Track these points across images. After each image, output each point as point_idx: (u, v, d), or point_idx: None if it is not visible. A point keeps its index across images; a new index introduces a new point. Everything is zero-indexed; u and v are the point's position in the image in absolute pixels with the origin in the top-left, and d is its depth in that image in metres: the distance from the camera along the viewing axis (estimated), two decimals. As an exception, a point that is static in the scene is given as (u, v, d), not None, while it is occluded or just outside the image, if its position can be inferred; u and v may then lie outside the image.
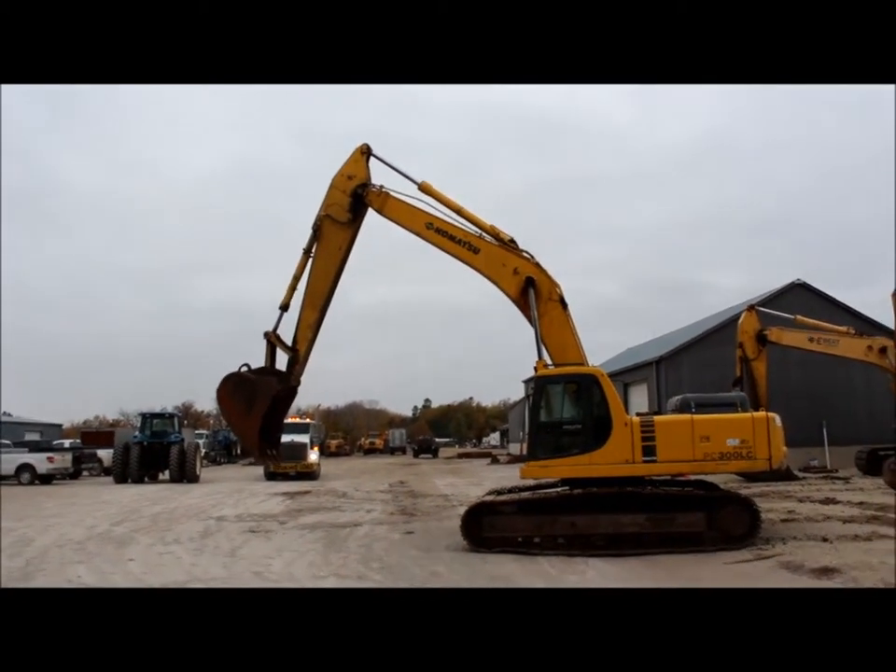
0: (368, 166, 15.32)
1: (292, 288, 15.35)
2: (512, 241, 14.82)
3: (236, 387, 15.02)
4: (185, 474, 35.72)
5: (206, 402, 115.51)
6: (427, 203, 15.01)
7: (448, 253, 14.90)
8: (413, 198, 15.08)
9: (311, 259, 15.32)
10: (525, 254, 14.69)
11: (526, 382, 16.68)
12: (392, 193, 15.11)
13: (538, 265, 14.54)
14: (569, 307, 14.40)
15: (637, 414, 14.25)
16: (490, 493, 15.47)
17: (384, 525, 17.35)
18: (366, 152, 15.30)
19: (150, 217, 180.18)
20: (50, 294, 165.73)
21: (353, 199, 15.12)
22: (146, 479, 36.78)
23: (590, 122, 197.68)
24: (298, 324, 15.41)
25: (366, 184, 15.14)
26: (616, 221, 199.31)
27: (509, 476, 30.01)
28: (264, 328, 15.49)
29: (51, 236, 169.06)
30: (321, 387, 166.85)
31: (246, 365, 15.31)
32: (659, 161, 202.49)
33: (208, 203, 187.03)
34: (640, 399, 38.75)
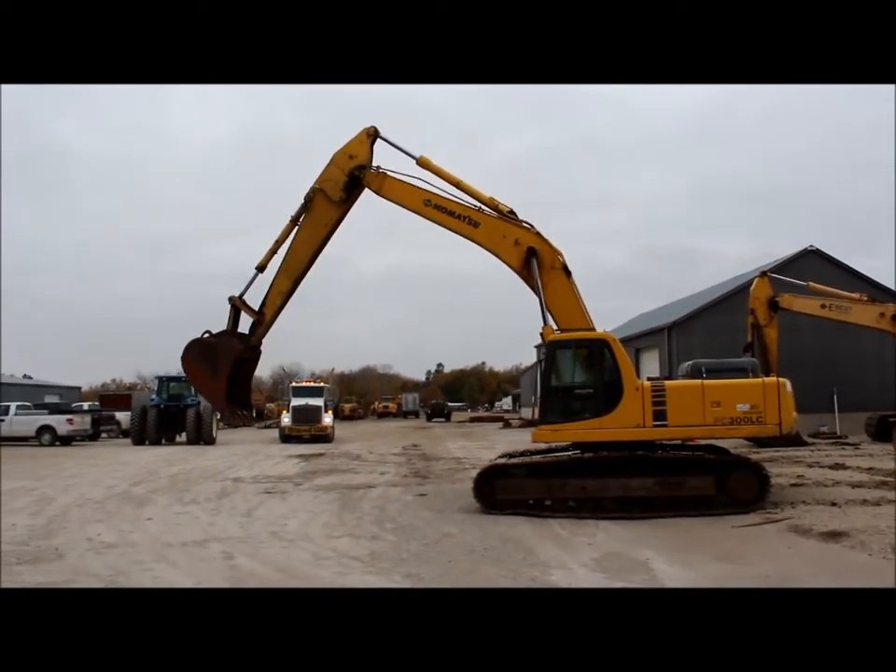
0: (371, 149, 15.22)
1: (272, 252, 15.37)
2: (512, 212, 14.72)
3: (200, 352, 15.20)
4: (201, 436, 36.01)
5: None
6: (427, 181, 14.90)
7: (448, 228, 14.83)
8: (413, 176, 14.99)
9: (296, 228, 15.30)
10: (525, 224, 14.60)
11: (538, 347, 16.71)
12: (389, 173, 15.03)
13: (538, 234, 14.46)
14: (573, 275, 14.34)
15: (649, 379, 14.24)
16: (502, 456, 15.53)
17: (397, 487, 17.48)
18: (372, 135, 15.19)
19: (161, 182, 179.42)
20: (63, 259, 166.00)
21: (349, 179, 15.05)
22: (163, 441, 37.09)
23: (590, 86, 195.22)
24: (269, 289, 15.48)
25: (365, 166, 15.05)
26: (619, 188, 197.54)
27: (520, 440, 30.05)
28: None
29: (58, 201, 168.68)
30: (335, 352, 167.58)
31: (208, 331, 15.44)
32: (664, 127, 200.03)
33: (219, 167, 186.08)
34: (652, 364, 38.68)
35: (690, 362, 27.18)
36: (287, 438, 36.90)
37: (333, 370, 67.45)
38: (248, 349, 15.44)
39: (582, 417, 13.39)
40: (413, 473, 20.81)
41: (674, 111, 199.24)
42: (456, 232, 14.79)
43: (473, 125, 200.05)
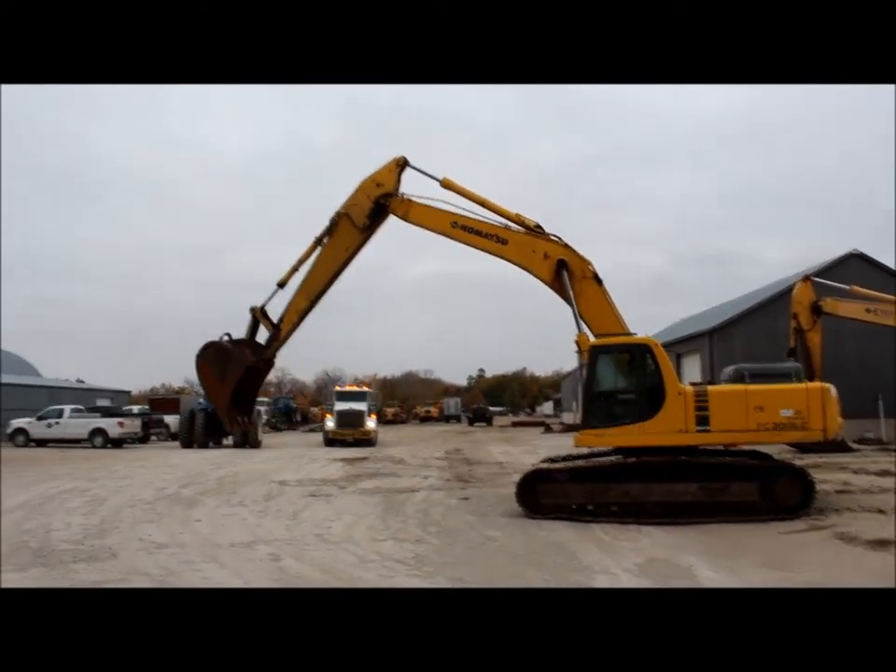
0: (399, 178, 15.39)
1: (294, 269, 15.64)
2: (538, 226, 14.81)
3: (214, 355, 15.46)
4: (248, 440, 36.30)
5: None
6: (451, 203, 14.99)
7: (477, 248, 14.96)
8: (437, 199, 15.10)
9: (319, 249, 15.49)
10: (552, 237, 14.64)
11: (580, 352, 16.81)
12: (415, 199, 15.15)
13: (566, 246, 14.51)
14: (604, 282, 14.31)
15: (691, 384, 14.09)
16: (544, 460, 15.48)
17: (440, 491, 17.49)
18: (401, 165, 15.33)
19: (198, 191, 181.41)
20: (112, 267, 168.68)
21: (374, 206, 15.22)
22: (210, 444, 37.48)
23: (624, 90, 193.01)
24: (288, 306, 15.76)
25: (391, 194, 15.18)
26: (654, 191, 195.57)
27: (562, 445, 29.84)
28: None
29: (103, 210, 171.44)
30: (378, 357, 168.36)
31: (227, 335, 15.69)
32: (695, 128, 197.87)
33: (255, 176, 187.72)
34: (693, 369, 38.26)
35: (733, 367, 26.65)
36: (331, 441, 37.09)
37: (376, 375, 68.05)
38: (261, 361, 15.74)
39: (625, 422, 13.29)
40: (455, 477, 20.81)
41: (706, 111, 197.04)
42: (485, 251, 14.90)
43: (503, 129, 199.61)
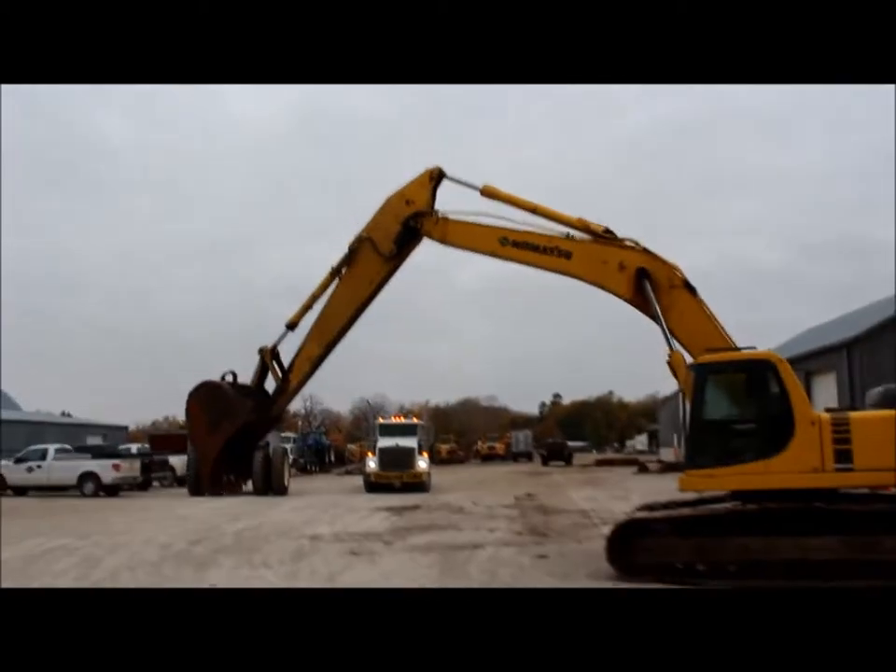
0: (434, 194, 15.24)
1: (306, 308, 15.66)
2: (608, 231, 14.62)
3: (209, 398, 15.44)
4: (270, 485, 36.42)
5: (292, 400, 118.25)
6: (495, 216, 14.91)
7: (534, 266, 14.86)
8: (479, 214, 15.05)
9: (336, 282, 15.35)
10: (627, 242, 14.44)
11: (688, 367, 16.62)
12: (452, 216, 15.01)
13: (646, 251, 14.33)
14: (698, 290, 14.14)
15: (827, 410, 13.88)
16: (640, 508, 15.37)
17: (510, 547, 17.47)
18: (436, 177, 15.18)
19: (203, 181, 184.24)
20: (104, 273, 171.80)
21: (403, 229, 15.05)
22: (224, 491, 37.88)
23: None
24: (297, 353, 15.79)
25: (423, 213, 15.01)
26: (771, 169, 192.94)
27: (661, 488, 29.59)
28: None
29: (99, 206, 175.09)
30: (429, 381, 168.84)
31: (232, 374, 15.69)
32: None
33: (267, 165, 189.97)
34: (827, 392, 37.67)
35: (881, 388, 26.25)
36: (373, 486, 37.15)
37: (427, 402, 68.09)
38: (263, 418, 15.79)
39: (743, 459, 13.14)
40: (528, 530, 20.76)
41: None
42: (546, 269, 14.78)
43: (595, 98, 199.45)
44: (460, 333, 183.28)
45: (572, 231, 14.63)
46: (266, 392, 15.86)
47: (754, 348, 13.95)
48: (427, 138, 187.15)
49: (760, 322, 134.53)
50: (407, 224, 15.13)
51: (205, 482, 16.12)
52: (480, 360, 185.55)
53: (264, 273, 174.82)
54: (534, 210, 14.84)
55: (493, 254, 14.95)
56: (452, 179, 15.18)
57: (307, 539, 19.60)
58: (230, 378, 15.87)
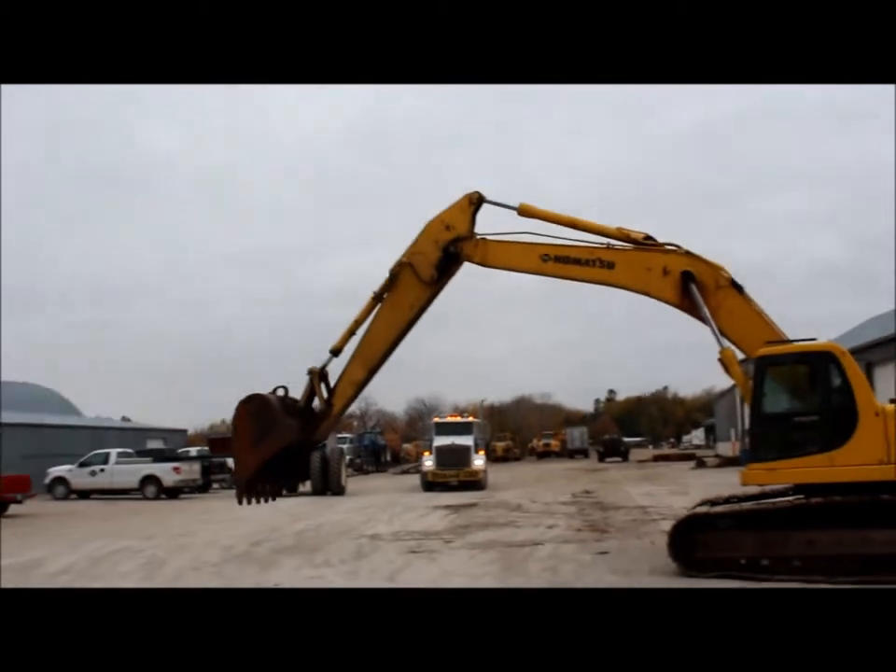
0: (473, 218, 15.31)
1: (350, 332, 15.79)
2: (649, 237, 14.56)
3: (257, 412, 15.63)
4: (329, 485, 36.80)
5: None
6: (533, 233, 14.93)
7: (578, 280, 14.86)
8: (517, 232, 15.09)
9: (378, 307, 15.53)
10: (669, 247, 14.37)
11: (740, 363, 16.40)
12: (490, 238, 15.09)
13: (689, 254, 14.22)
14: (745, 289, 13.98)
15: (892, 401, 13.64)
16: (701, 503, 15.18)
17: (570, 544, 17.40)
18: (475, 202, 15.25)
19: (254, 190, 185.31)
20: (154, 281, 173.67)
21: (443, 255, 15.16)
22: (284, 491, 38.04)
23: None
24: (341, 376, 15.91)
25: (462, 237, 15.11)
26: (827, 156, 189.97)
27: (720, 482, 29.36)
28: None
29: (150, 217, 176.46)
30: (484, 379, 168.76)
31: (283, 388, 15.89)
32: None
33: (331, 172, 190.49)
34: (889, 381, 37.03)
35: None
36: (430, 485, 37.33)
37: (483, 401, 68.23)
38: (306, 441, 16.06)
39: (806, 452, 12.93)
40: (588, 526, 20.68)
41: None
42: (590, 281, 14.80)
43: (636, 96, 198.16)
44: (514, 332, 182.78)
45: (613, 242, 14.62)
46: (313, 412, 15.98)
47: (815, 340, 13.74)
48: (479, 142, 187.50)
49: (820, 315, 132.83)
50: (447, 249, 15.16)
51: (240, 491, 16.29)
52: (534, 358, 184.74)
53: (319, 281, 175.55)
54: (572, 224, 14.85)
55: (535, 271, 15.01)
56: (491, 202, 15.27)
57: (367, 538, 19.69)
58: (281, 392, 15.98)
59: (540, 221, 14.95)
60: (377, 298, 15.61)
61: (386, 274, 15.58)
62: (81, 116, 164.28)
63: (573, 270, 14.69)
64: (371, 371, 15.96)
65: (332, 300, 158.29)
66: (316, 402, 16.17)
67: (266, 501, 16.93)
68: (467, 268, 15.63)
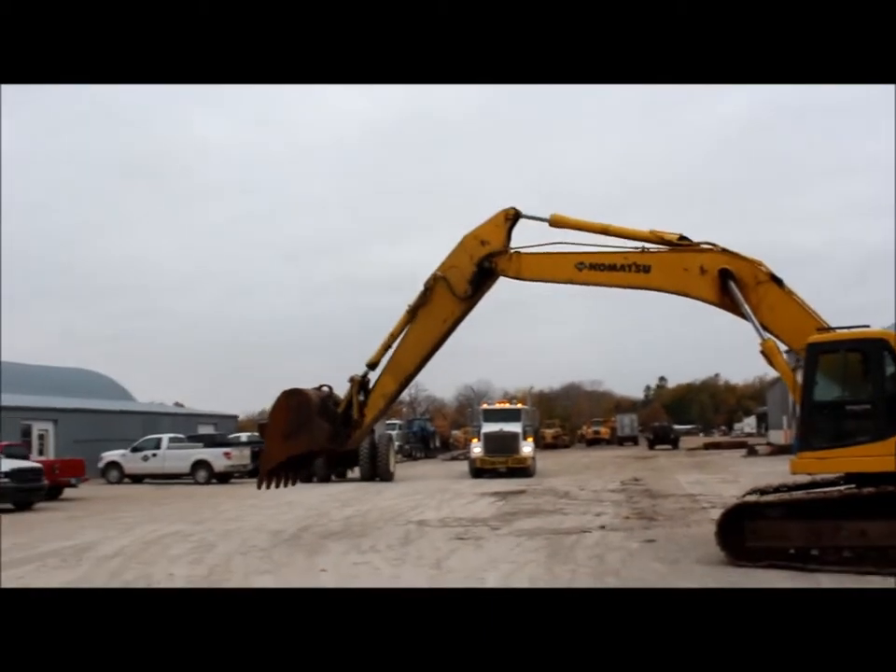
0: (509, 235, 15.32)
1: (385, 347, 15.96)
2: (683, 238, 14.47)
3: (296, 408, 15.79)
4: (377, 471, 36.95)
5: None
6: (564, 242, 14.99)
7: (615, 286, 14.87)
8: (549, 243, 15.14)
9: (412, 321, 15.55)
10: (704, 245, 14.27)
11: (790, 352, 16.21)
12: (524, 250, 15.06)
13: (725, 251, 14.18)
14: (784, 281, 13.84)
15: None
16: (751, 492, 15.04)
17: (618, 532, 17.35)
18: (511, 218, 15.25)
19: (306, 180, 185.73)
20: (207, 268, 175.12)
21: (477, 270, 15.17)
22: (332, 477, 38.37)
23: None
24: (373, 388, 15.99)
25: (496, 253, 15.11)
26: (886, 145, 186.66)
27: (771, 471, 29.16)
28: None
29: (194, 208, 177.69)
30: (533, 366, 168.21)
31: (328, 387, 16.00)
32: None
33: (373, 159, 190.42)
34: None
35: None
36: (478, 472, 37.35)
37: (532, 388, 68.03)
38: (336, 449, 16.27)
39: (858, 441, 12.76)
40: (636, 514, 20.62)
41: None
42: (627, 287, 14.81)
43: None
44: (564, 318, 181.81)
45: (648, 245, 14.55)
46: (349, 419, 16.13)
47: (868, 327, 13.53)
48: (517, 137, 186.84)
49: (873, 302, 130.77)
50: (481, 265, 15.19)
51: (262, 477, 16.56)
52: (584, 345, 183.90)
53: (366, 271, 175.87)
54: (605, 231, 14.83)
55: (571, 281, 15.04)
56: (527, 217, 15.27)
57: (414, 524, 19.75)
58: (325, 390, 16.19)
59: (573, 231, 14.97)
60: (412, 311, 15.72)
61: (421, 287, 15.70)
62: (124, 106, 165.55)
63: (609, 276, 14.71)
64: (403, 385, 16.19)
65: (384, 287, 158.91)
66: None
67: (285, 486, 17.25)
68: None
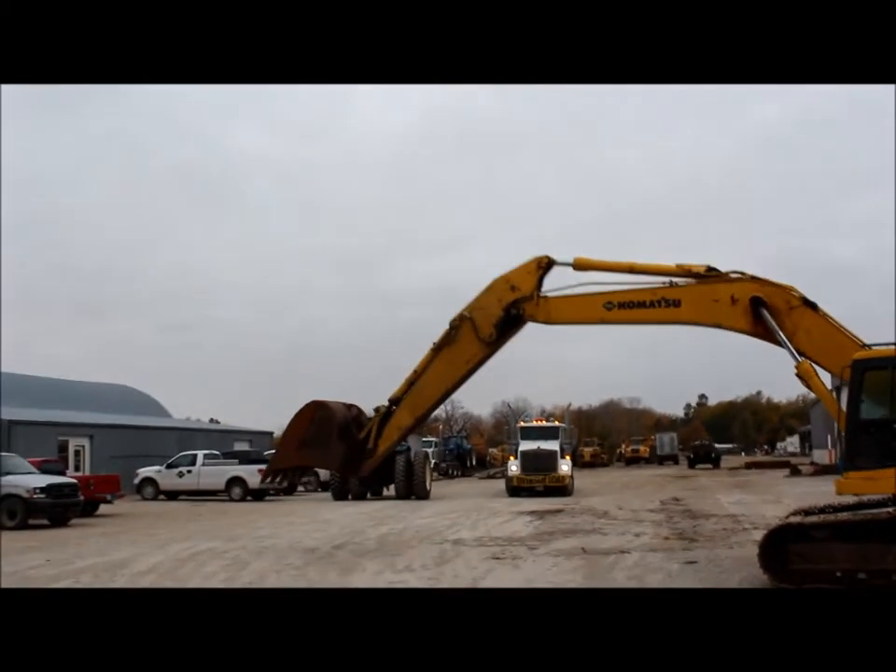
0: (540, 282, 15.33)
1: (409, 382, 16.06)
2: (711, 269, 14.45)
3: (319, 423, 15.89)
4: (413, 489, 36.88)
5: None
6: (588, 283, 15.11)
7: (646, 323, 15.01)
8: (574, 285, 15.23)
9: (435, 357, 15.58)
10: (733, 275, 14.30)
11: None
12: (551, 295, 15.07)
13: (755, 278, 14.15)
14: (819, 305, 13.79)
15: None
16: (795, 513, 14.83)
17: (657, 553, 17.19)
18: (544, 267, 15.26)
19: (341, 188, 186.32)
20: (240, 281, 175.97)
21: (504, 314, 15.15)
22: (368, 495, 38.35)
23: None
24: (390, 419, 15.96)
25: (524, 298, 15.08)
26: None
27: (815, 491, 28.78)
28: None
29: (236, 218, 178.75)
30: (571, 383, 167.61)
31: (357, 409, 16.11)
32: None
33: (416, 171, 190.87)
34: None
35: None
36: (515, 490, 37.21)
37: (570, 405, 67.55)
38: (346, 472, 16.48)
39: (906, 461, 12.53)
40: (676, 535, 20.44)
41: None
42: (658, 323, 14.98)
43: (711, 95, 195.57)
44: (602, 333, 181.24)
45: (675, 280, 14.50)
46: (365, 444, 16.23)
47: (913, 343, 13.31)
48: (552, 142, 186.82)
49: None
50: (508, 310, 15.17)
51: (268, 473, 16.72)
52: (623, 362, 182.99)
53: (400, 284, 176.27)
54: (630, 269, 14.86)
55: (602, 321, 15.10)
56: (560, 263, 15.26)
57: (450, 543, 19.65)
58: (354, 410, 16.32)
59: (598, 272, 15.00)
60: (436, 350, 15.73)
61: (447, 325, 15.78)
62: (162, 117, 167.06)
63: (639, 314, 14.72)
64: (419, 420, 16.32)
65: (419, 301, 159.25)
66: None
67: (289, 484, 17.57)
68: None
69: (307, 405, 16.25)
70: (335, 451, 15.91)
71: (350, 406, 16.52)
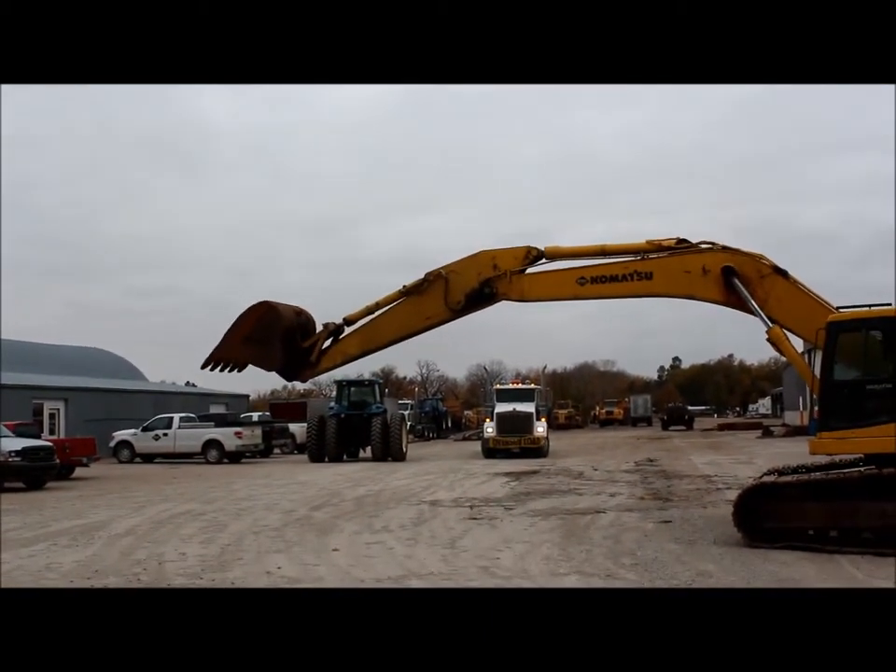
0: (524, 269, 15.19)
1: (368, 311, 15.85)
2: (682, 240, 14.54)
3: (264, 324, 15.79)
4: (389, 451, 36.98)
5: (409, 367, 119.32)
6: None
7: (620, 296, 15.02)
8: (547, 264, 15.28)
9: (400, 301, 15.53)
10: (704, 245, 14.35)
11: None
12: (526, 273, 15.12)
13: (726, 248, 14.22)
14: (789, 272, 13.89)
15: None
16: (768, 473, 14.97)
17: (632, 512, 17.31)
18: (533, 258, 15.19)
19: (309, 156, 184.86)
20: (216, 250, 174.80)
21: (479, 287, 15.06)
22: (344, 457, 38.44)
23: None
24: (338, 342, 15.98)
25: (499, 276, 15.12)
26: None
27: (787, 452, 29.06)
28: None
29: (204, 183, 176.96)
30: (546, 346, 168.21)
31: (308, 316, 16.28)
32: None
33: (385, 132, 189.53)
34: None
35: None
36: (491, 452, 37.40)
37: (545, 368, 67.92)
38: (286, 374, 16.56)
39: (879, 421, 12.62)
40: (651, 495, 20.59)
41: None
42: (632, 296, 14.97)
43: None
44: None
45: (648, 253, 14.56)
46: (308, 356, 16.12)
47: (889, 305, 13.40)
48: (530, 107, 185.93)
49: (889, 282, 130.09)
50: (483, 287, 15.08)
51: (209, 360, 16.64)
52: (597, 324, 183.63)
53: (370, 249, 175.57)
54: (602, 251, 14.90)
55: (575, 297, 15.08)
56: (550, 260, 15.22)
57: (427, 504, 19.74)
58: (303, 318, 16.25)
59: (570, 260, 15.09)
60: (404, 293, 15.63)
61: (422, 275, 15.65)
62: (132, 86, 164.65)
63: (612, 288, 14.75)
64: (365, 353, 16.26)
65: (389, 265, 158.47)
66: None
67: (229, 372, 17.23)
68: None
69: (257, 304, 16.08)
70: (276, 353, 15.85)
71: (300, 312, 16.34)
